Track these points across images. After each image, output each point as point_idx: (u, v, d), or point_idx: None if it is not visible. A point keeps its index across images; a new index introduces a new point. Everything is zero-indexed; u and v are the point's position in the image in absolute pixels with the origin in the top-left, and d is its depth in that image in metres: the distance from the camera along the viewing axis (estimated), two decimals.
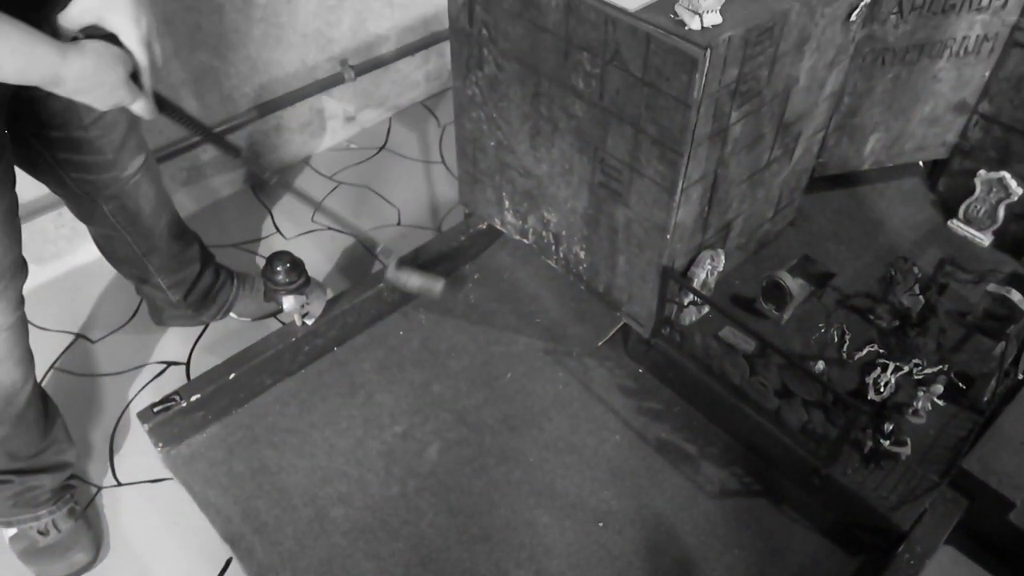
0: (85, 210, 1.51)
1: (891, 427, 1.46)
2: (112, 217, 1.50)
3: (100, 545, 1.47)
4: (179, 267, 1.68)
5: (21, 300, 1.29)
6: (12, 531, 1.44)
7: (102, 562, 1.47)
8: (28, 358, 1.33)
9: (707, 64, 1.22)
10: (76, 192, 1.44)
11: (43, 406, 1.40)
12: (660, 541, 1.49)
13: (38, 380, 1.43)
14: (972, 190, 1.88)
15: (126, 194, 1.47)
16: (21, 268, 1.27)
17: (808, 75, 1.51)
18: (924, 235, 1.93)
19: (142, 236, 1.56)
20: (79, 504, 1.49)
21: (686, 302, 1.63)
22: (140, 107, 1.10)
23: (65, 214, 1.89)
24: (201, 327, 1.85)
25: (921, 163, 2.08)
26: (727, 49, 1.25)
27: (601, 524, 1.50)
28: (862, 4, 1.47)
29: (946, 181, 1.99)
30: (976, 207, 1.89)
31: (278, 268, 1.57)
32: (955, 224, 1.93)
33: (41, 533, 1.42)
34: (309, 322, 1.69)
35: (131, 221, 1.52)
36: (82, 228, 1.95)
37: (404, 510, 1.51)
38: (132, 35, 1.03)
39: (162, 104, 1.16)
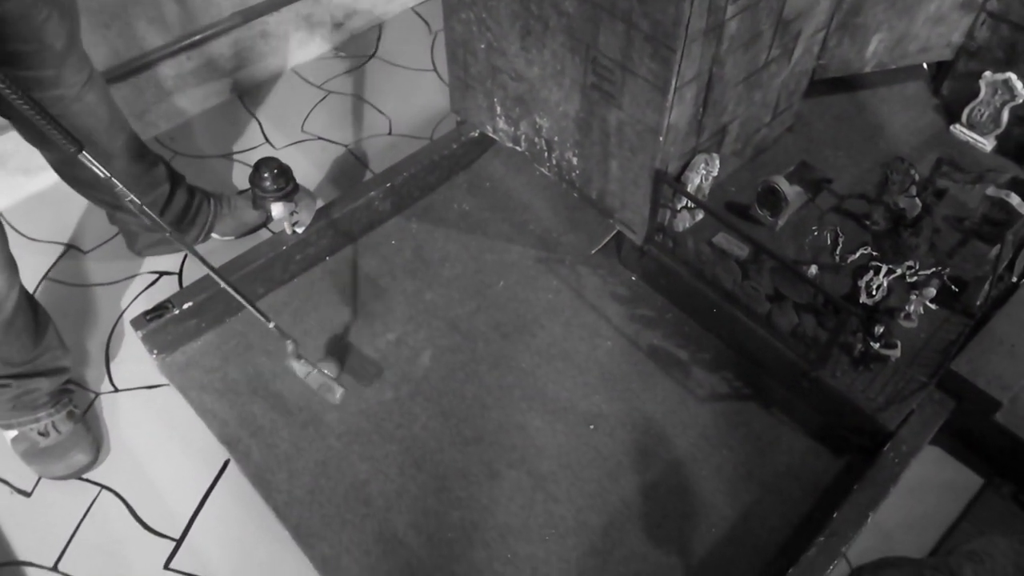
0: (35, 134, 1.44)
1: (882, 330, 1.46)
2: None
3: (100, 447, 1.50)
4: (147, 189, 1.62)
5: None
6: (13, 433, 1.47)
7: (103, 465, 1.50)
8: (9, 266, 1.31)
9: None
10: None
11: (32, 313, 1.40)
12: (650, 443, 1.51)
13: (29, 290, 1.44)
14: (976, 93, 1.83)
15: (73, 113, 1.40)
16: None
17: None
18: (926, 140, 1.89)
19: (100, 157, 1.48)
20: (78, 407, 1.52)
21: (679, 207, 1.61)
22: None
23: None
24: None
25: (925, 65, 2.02)
26: None
27: (592, 427, 1.53)
28: None
29: (950, 84, 1.94)
30: (980, 111, 1.84)
31: (265, 174, 1.55)
32: (957, 129, 1.89)
33: (41, 434, 1.45)
34: (299, 230, 1.67)
35: (85, 141, 1.45)
36: None
37: (398, 414, 1.53)
38: None
39: None
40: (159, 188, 1.65)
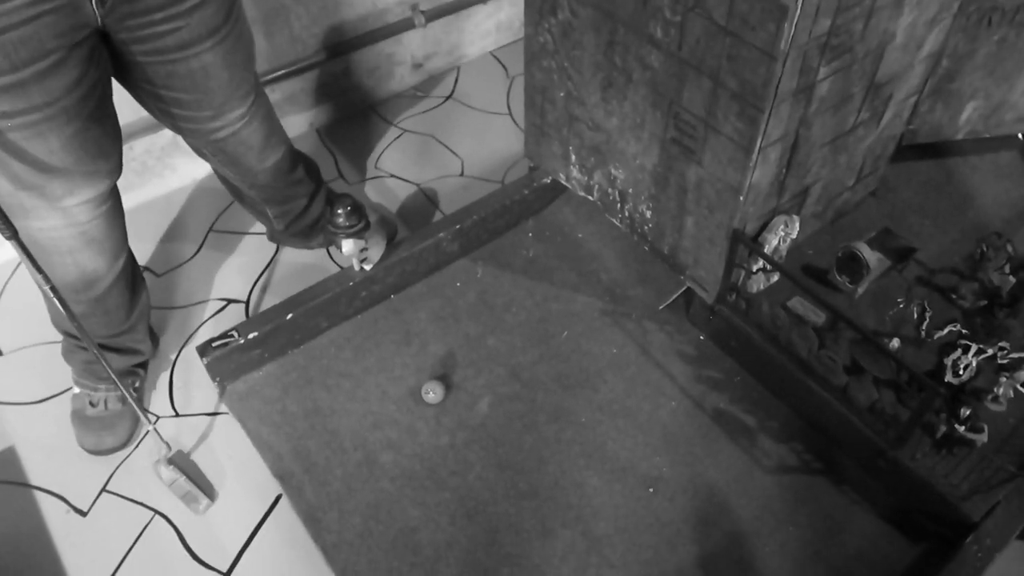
0: (190, 145, 1.53)
1: (968, 412, 1.37)
2: (213, 157, 1.52)
3: (131, 437, 1.56)
4: (284, 200, 1.70)
5: (107, 195, 1.30)
6: (76, 390, 1.57)
7: (158, 490, 1.50)
8: (113, 249, 1.37)
9: (798, 13, 1.14)
10: (177, 128, 1.41)
11: (130, 295, 1.47)
12: (712, 512, 1.44)
13: (137, 273, 1.52)
14: None
15: (225, 142, 1.44)
16: (105, 169, 1.25)
17: (906, 32, 1.41)
18: (1019, 213, 1.80)
19: (243, 175, 1.57)
20: (136, 392, 1.57)
21: (755, 268, 1.56)
22: None
23: (135, 148, 1.92)
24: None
25: (1020, 135, 1.94)
26: None
27: (651, 490, 1.47)
28: None
29: None
30: None
31: (339, 211, 1.56)
32: None
33: (92, 404, 1.53)
34: (367, 267, 1.68)
35: (231, 162, 1.52)
36: (152, 163, 1.99)
37: (452, 461, 1.50)
38: None
39: None
40: (297, 200, 1.72)
